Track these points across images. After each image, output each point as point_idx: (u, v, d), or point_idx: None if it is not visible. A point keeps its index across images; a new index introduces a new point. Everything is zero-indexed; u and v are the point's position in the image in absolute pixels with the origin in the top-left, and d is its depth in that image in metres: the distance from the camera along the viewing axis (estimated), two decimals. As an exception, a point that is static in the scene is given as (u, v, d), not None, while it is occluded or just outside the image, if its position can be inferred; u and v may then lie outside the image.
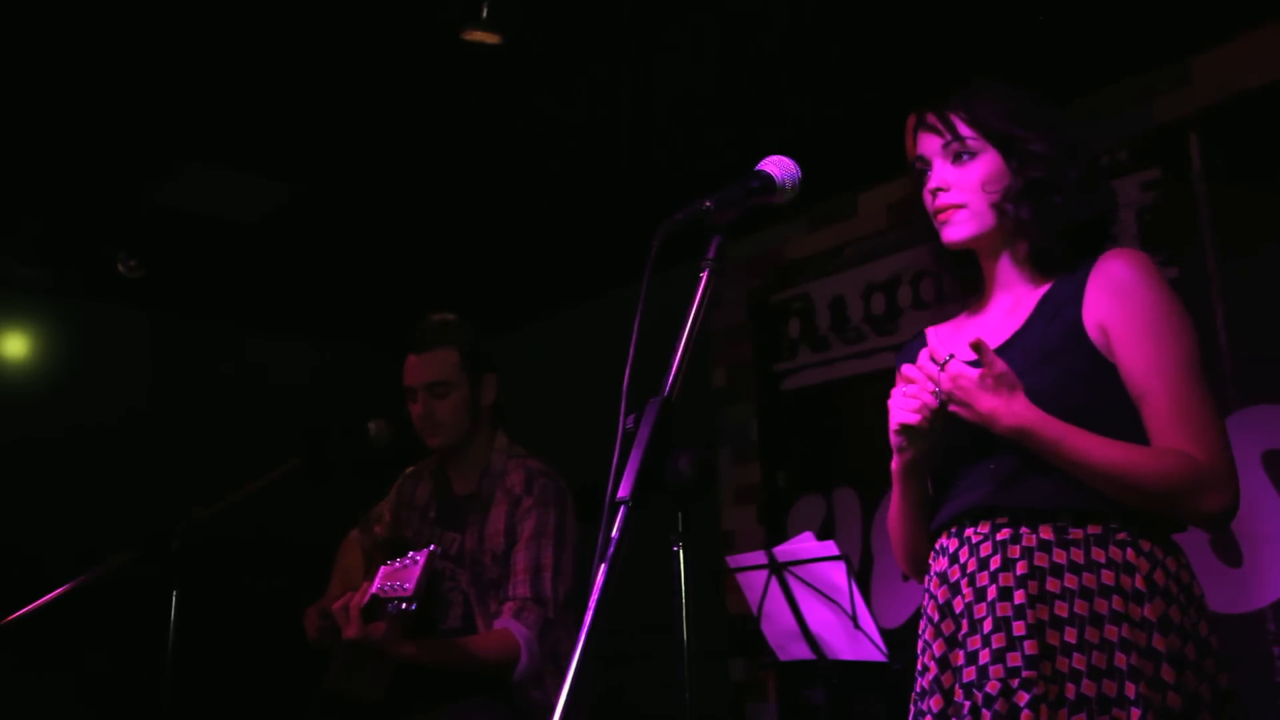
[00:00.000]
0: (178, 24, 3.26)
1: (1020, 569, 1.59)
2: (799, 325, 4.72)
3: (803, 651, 3.31)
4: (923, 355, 1.66)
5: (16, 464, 4.79)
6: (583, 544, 2.75)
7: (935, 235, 1.80)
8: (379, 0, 3.19)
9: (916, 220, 1.85)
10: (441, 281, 5.23)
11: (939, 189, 1.76)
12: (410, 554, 2.45)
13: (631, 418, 1.27)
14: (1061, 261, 1.73)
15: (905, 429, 1.68)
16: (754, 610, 3.39)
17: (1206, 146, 3.51)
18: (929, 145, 1.78)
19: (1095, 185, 1.75)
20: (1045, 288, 1.75)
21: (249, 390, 5.57)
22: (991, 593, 1.61)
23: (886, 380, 1.75)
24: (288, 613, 3.05)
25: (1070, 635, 1.55)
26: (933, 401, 1.64)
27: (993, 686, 1.56)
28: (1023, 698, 1.53)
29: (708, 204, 1.42)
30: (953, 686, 1.63)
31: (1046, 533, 1.60)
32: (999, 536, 1.63)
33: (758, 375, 4.85)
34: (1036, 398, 1.60)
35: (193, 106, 3.73)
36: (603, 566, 1.18)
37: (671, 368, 1.31)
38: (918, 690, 1.70)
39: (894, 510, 1.84)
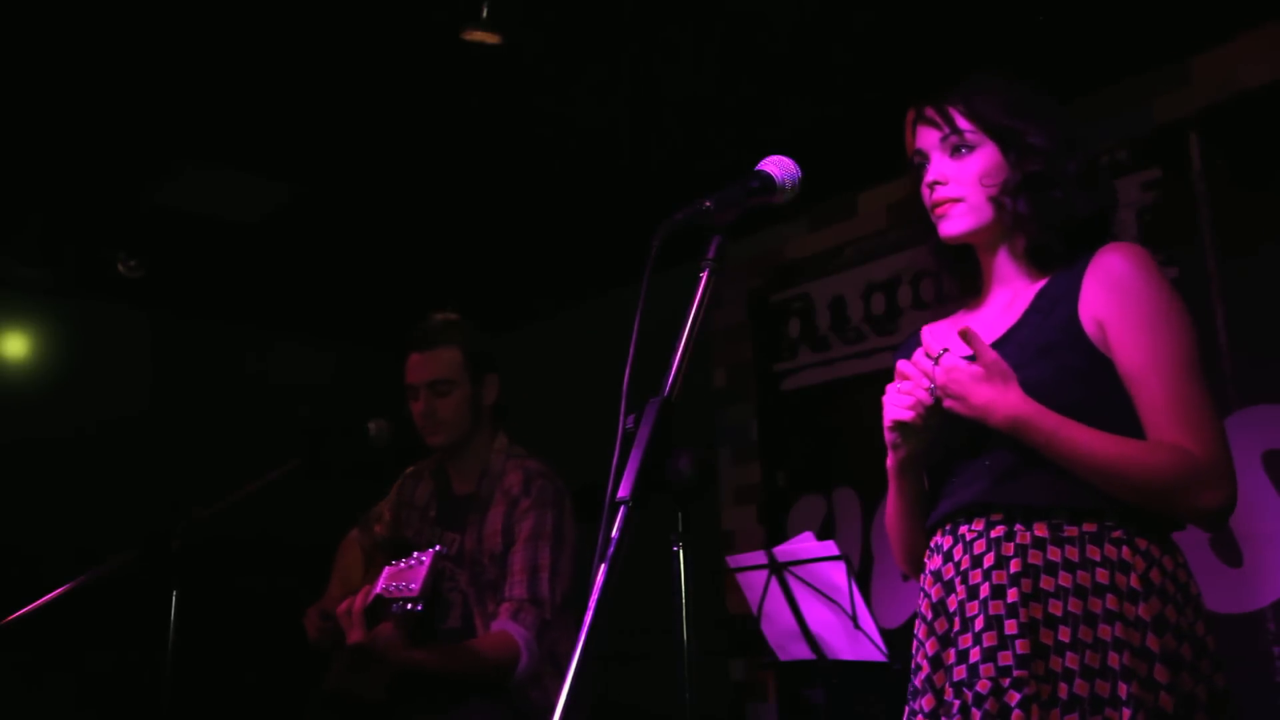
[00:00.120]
0: (177, 24, 3.26)
1: (1014, 567, 1.58)
2: (799, 325, 4.72)
3: (803, 651, 3.31)
4: (918, 352, 1.66)
5: (16, 464, 4.78)
6: (583, 544, 2.75)
7: (933, 231, 1.79)
8: (379, 0, 3.19)
9: (916, 220, 1.84)
10: (442, 281, 5.23)
11: (936, 182, 1.75)
12: (415, 554, 2.44)
13: (631, 418, 1.27)
14: (1060, 257, 1.71)
15: (899, 426, 1.67)
16: (754, 610, 3.39)
17: (1206, 146, 3.51)
18: (927, 139, 1.77)
19: (1095, 181, 1.73)
20: (1042, 283, 1.73)
21: (249, 390, 5.57)
22: (984, 590, 1.59)
23: (886, 380, 1.73)
24: (288, 613, 3.05)
25: (1063, 634, 1.54)
26: (927, 398, 1.63)
27: (983, 685, 1.54)
28: (1014, 697, 1.51)
29: (708, 204, 1.42)
30: (944, 685, 1.62)
31: (1041, 530, 1.59)
32: (993, 534, 1.61)
33: (758, 375, 4.85)
34: (1032, 393, 1.59)
35: (193, 106, 3.73)
36: (603, 566, 1.18)
37: (671, 368, 1.30)
38: (911, 690, 1.69)
39: (891, 508, 1.83)
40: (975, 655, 1.57)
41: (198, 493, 2.92)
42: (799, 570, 3.21)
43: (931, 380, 1.62)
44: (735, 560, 3.45)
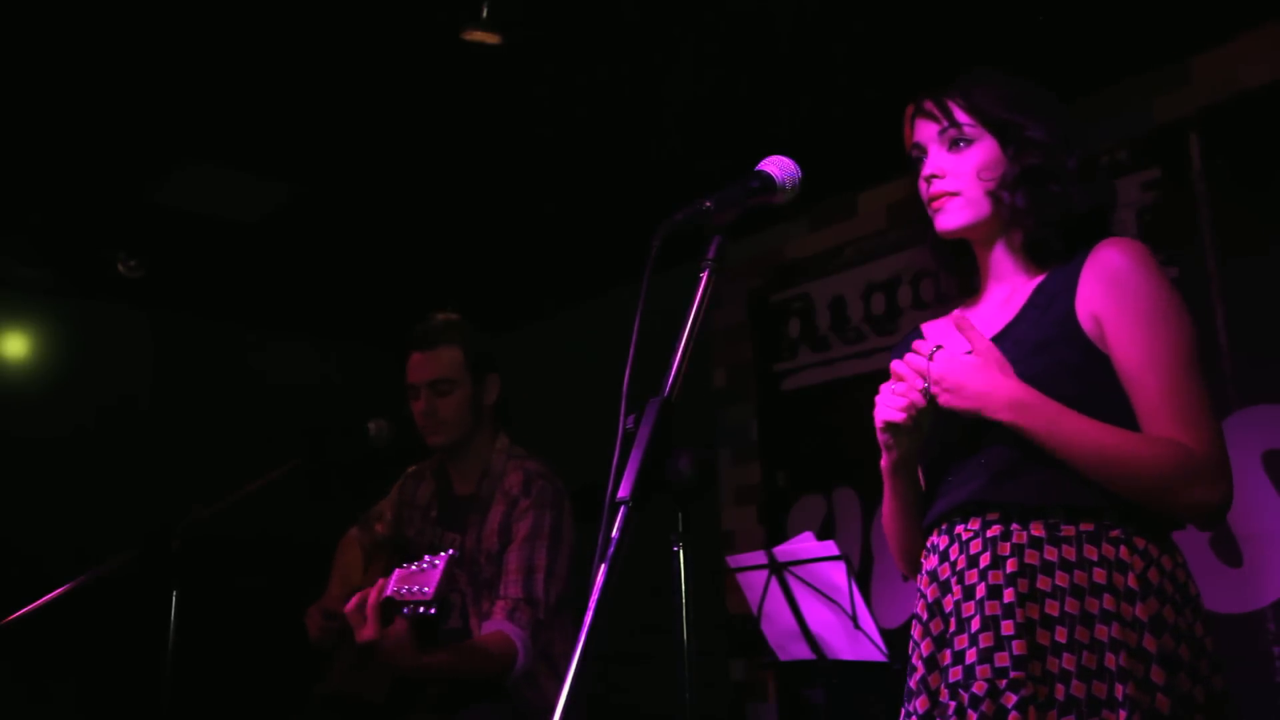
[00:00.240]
0: (177, 24, 3.26)
1: (1010, 566, 1.56)
2: (799, 325, 4.72)
3: (803, 651, 3.31)
4: (911, 351, 1.64)
5: (16, 464, 4.79)
6: (583, 544, 2.75)
7: (931, 227, 1.77)
8: (379, 0, 3.19)
9: (916, 219, 1.82)
10: (442, 281, 5.23)
11: (933, 176, 1.73)
12: (427, 557, 2.39)
13: (631, 418, 1.27)
14: (1057, 253, 1.69)
15: (890, 427, 1.66)
16: (754, 610, 3.39)
17: (1206, 146, 3.51)
18: (925, 132, 1.75)
19: (1093, 176, 1.71)
20: (1040, 278, 1.71)
21: (249, 390, 5.58)
22: (980, 590, 1.57)
23: (887, 380, 1.73)
24: (288, 613, 3.05)
25: (1060, 635, 1.52)
26: (920, 400, 1.61)
27: (979, 687, 1.53)
28: (1010, 699, 1.49)
29: (708, 204, 1.41)
30: (939, 687, 1.60)
31: (1038, 529, 1.57)
32: (989, 533, 1.59)
33: (758, 375, 4.85)
34: None
35: (192, 106, 3.73)
36: (603, 566, 1.18)
37: (671, 368, 1.30)
38: (906, 691, 1.67)
39: (887, 509, 1.82)
40: (971, 656, 1.56)
41: (198, 492, 2.92)
42: (799, 570, 3.21)
43: (925, 378, 1.60)
44: (735, 560, 3.45)
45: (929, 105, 1.75)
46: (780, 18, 3.35)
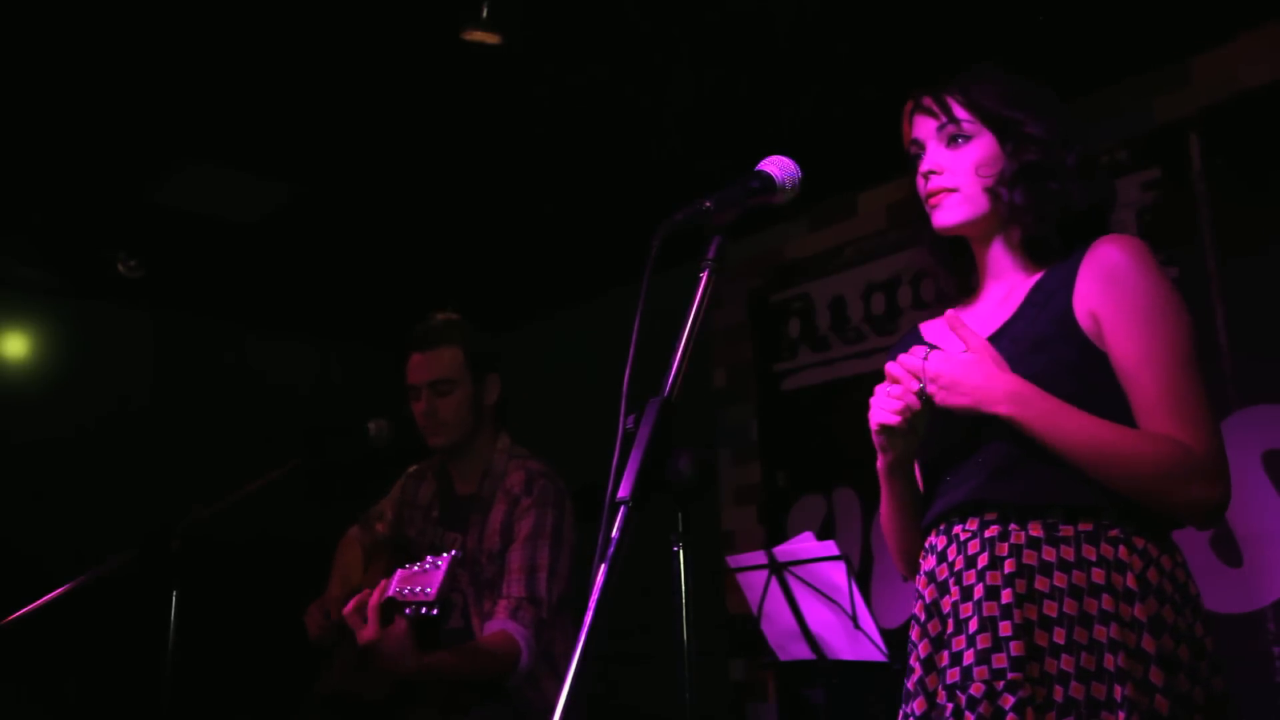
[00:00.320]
0: (177, 24, 3.26)
1: (1008, 567, 1.54)
2: (799, 325, 4.72)
3: (803, 651, 3.31)
4: (907, 353, 1.63)
5: (16, 464, 4.79)
6: (583, 544, 2.75)
7: (928, 223, 1.76)
8: (379, 0, 3.19)
9: (916, 219, 1.81)
10: (442, 281, 5.23)
11: (931, 171, 1.72)
12: (429, 558, 2.38)
13: (631, 418, 1.27)
14: (1056, 250, 1.68)
15: (885, 430, 1.65)
16: (754, 610, 3.39)
17: (1206, 146, 3.51)
18: (924, 128, 1.74)
19: (1092, 174, 1.70)
20: (1038, 276, 1.69)
21: (249, 390, 5.58)
22: (978, 591, 1.56)
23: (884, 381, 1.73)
24: (288, 613, 3.05)
25: (1059, 636, 1.51)
26: (915, 403, 1.59)
27: (977, 689, 1.51)
28: (1008, 701, 1.48)
29: (708, 204, 1.41)
30: (936, 688, 1.58)
31: (1036, 529, 1.55)
32: (987, 534, 1.58)
33: (758, 375, 4.85)
34: None
35: (192, 106, 3.73)
36: (603, 566, 1.17)
37: (671, 368, 1.30)
38: (904, 693, 1.66)
39: (884, 510, 1.81)
40: (969, 658, 1.54)
41: (197, 492, 2.92)
42: (799, 570, 3.21)
43: (920, 379, 1.59)
44: (735, 560, 3.45)
45: (928, 101, 1.74)
46: (780, 18, 3.35)
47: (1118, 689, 1.46)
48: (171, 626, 2.73)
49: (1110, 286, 1.59)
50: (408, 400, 2.88)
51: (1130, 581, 1.52)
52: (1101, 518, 1.55)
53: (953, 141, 1.71)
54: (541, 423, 3.82)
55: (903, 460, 1.72)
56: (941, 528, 1.65)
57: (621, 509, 1.20)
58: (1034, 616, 1.52)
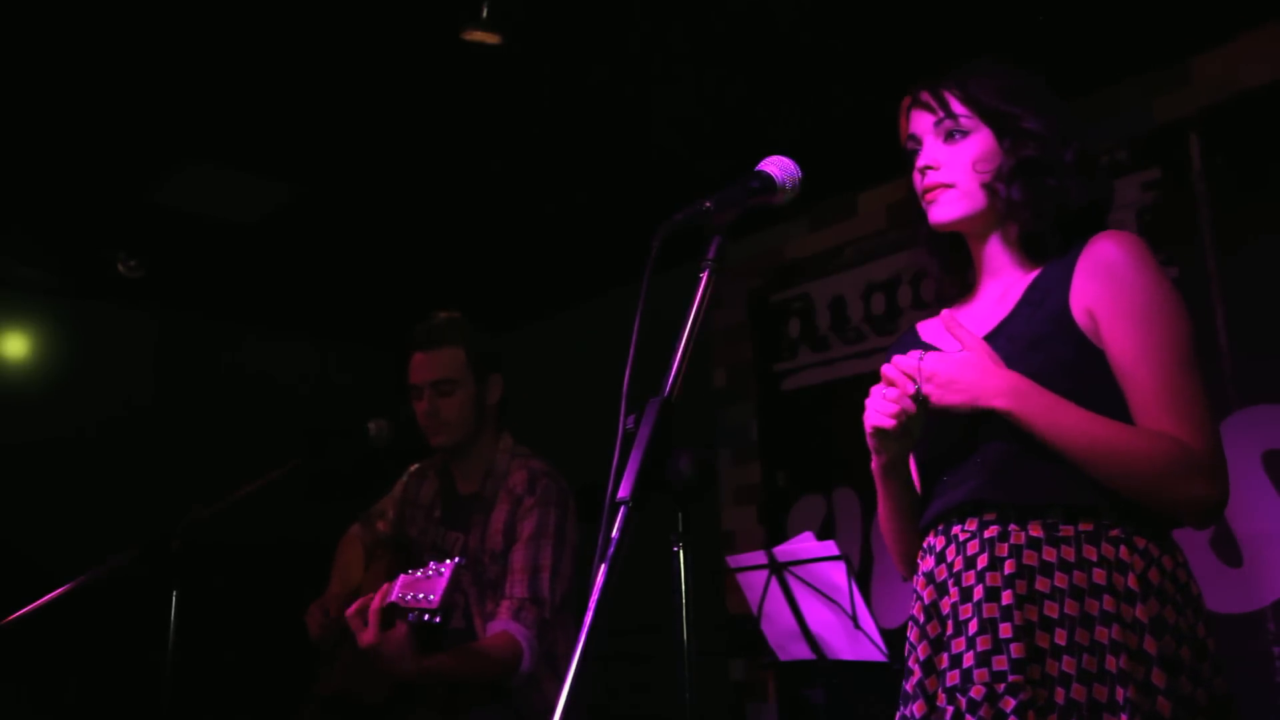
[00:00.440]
0: (177, 24, 3.26)
1: (1008, 568, 1.53)
2: (799, 325, 4.72)
3: (803, 651, 3.31)
4: (901, 355, 1.62)
5: (16, 464, 4.79)
6: (583, 544, 2.75)
7: (925, 220, 1.74)
8: (379, 0, 3.19)
9: (916, 219, 1.80)
10: (442, 281, 5.23)
11: (928, 167, 1.70)
12: (432, 564, 2.36)
13: (631, 418, 1.27)
14: (1053, 247, 1.66)
15: (879, 432, 1.63)
16: (754, 610, 3.38)
17: (1206, 146, 3.51)
18: (921, 123, 1.72)
19: (1090, 170, 1.68)
20: (1035, 274, 1.68)
21: (249, 390, 5.58)
22: (978, 593, 1.54)
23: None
24: (288, 613, 3.05)
25: (1060, 637, 1.49)
26: (910, 406, 1.58)
27: (977, 691, 1.50)
28: (1009, 703, 1.47)
29: (708, 204, 1.40)
30: (936, 691, 1.57)
31: (1036, 530, 1.53)
32: (986, 534, 1.56)
33: (758, 375, 4.85)
34: None
35: (192, 106, 3.73)
36: (603, 566, 1.17)
37: (671, 368, 1.30)
38: (902, 695, 1.64)
39: (882, 511, 1.79)
40: (969, 660, 1.52)
41: (198, 493, 2.91)
42: (799, 570, 3.21)
43: (915, 380, 1.58)
44: (735, 560, 3.44)
45: (925, 96, 1.72)
46: (780, 18, 3.35)
47: (1120, 691, 1.45)
48: (171, 627, 2.73)
49: (1107, 283, 1.58)
50: (409, 400, 2.88)
51: (1132, 582, 1.50)
52: (1102, 517, 1.53)
53: (950, 137, 1.70)
54: (541, 423, 3.82)
55: (897, 462, 1.70)
56: (940, 528, 1.64)
57: (621, 509, 1.20)
58: (1035, 618, 1.51)
